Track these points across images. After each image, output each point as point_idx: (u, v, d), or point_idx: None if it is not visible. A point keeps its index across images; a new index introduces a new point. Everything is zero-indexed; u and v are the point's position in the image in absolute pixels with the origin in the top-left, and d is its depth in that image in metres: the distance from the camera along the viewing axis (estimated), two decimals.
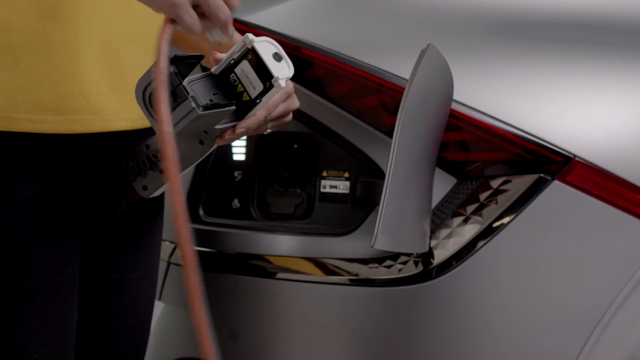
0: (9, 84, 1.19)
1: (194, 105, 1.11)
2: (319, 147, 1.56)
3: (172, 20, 1.07)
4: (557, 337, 1.43)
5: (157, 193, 1.33)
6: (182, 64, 1.14)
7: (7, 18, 1.18)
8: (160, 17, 1.30)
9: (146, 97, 1.13)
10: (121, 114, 1.27)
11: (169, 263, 1.66)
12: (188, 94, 1.11)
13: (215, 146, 1.27)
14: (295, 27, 1.54)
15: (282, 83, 1.19)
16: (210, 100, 1.17)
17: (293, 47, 1.51)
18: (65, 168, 1.27)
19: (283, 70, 1.20)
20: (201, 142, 1.27)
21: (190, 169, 1.59)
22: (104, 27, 1.25)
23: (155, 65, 1.00)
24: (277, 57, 1.20)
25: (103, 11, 1.24)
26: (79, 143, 1.28)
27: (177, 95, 1.11)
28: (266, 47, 1.20)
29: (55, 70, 1.21)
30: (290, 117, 1.35)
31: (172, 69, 1.11)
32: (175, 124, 1.11)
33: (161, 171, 1.29)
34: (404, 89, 1.29)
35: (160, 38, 1.03)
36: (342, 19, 1.57)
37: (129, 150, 1.31)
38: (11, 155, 1.21)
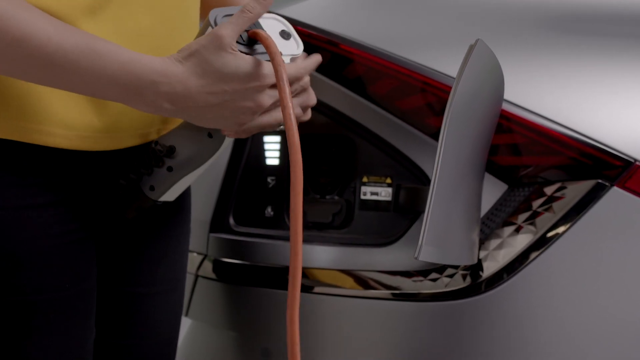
0: (19, 92, 1.16)
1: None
2: (358, 151, 1.54)
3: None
4: (618, 356, 1.39)
5: (167, 197, 1.29)
6: None
7: None
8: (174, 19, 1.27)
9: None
10: (135, 130, 1.25)
11: (196, 276, 1.65)
12: None
13: (226, 140, 1.24)
14: (333, 20, 1.53)
15: (287, 60, 1.17)
16: None
17: (331, 43, 1.50)
18: (78, 176, 1.25)
19: (290, 47, 1.18)
20: (210, 135, 1.23)
21: (218, 176, 1.59)
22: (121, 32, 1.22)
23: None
24: (285, 35, 1.18)
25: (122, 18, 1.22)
26: (90, 154, 1.25)
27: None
28: (273, 24, 1.18)
29: None
30: (308, 115, 1.30)
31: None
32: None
33: (168, 169, 1.26)
34: (450, 87, 1.27)
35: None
36: (384, 12, 1.56)
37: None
38: (21, 160, 1.19)
